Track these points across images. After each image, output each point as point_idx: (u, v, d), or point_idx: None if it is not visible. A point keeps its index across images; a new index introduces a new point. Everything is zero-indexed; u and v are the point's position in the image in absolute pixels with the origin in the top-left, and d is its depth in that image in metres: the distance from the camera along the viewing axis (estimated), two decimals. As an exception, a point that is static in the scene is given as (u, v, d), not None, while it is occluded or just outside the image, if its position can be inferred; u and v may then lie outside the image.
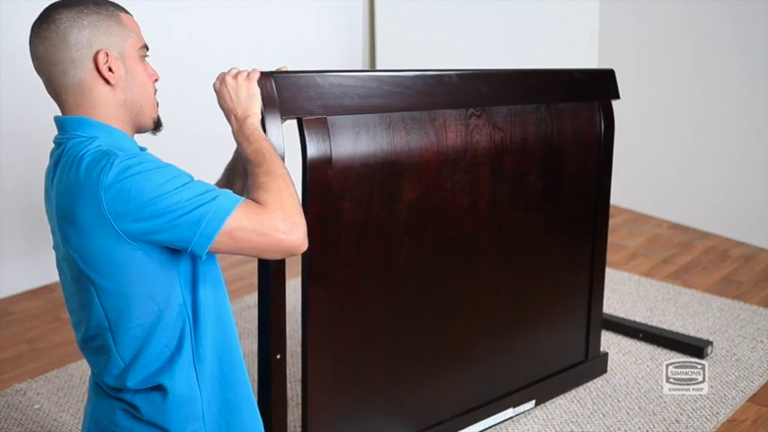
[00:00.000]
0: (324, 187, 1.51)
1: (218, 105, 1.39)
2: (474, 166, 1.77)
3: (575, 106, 1.99)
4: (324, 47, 3.85)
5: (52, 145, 1.26)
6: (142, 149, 1.30)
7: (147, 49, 1.28)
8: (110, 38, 1.21)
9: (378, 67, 3.98)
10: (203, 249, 1.15)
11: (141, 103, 1.25)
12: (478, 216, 1.82)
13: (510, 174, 1.86)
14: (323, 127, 1.51)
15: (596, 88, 2.06)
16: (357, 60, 4.04)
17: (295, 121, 1.49)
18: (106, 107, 1.22)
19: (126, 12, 1.26)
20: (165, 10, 3.06)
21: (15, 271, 2.88)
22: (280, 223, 1.16)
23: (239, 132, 1.33)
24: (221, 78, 1.37)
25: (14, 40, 2.72)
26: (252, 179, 1.24)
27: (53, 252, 1.30)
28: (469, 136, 1.75)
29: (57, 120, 1.24)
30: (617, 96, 2.09)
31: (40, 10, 1.24)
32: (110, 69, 1.20)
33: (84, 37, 1.19)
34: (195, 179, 1.18)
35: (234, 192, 1.20)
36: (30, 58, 1.23)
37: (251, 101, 1.35)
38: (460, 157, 1.74)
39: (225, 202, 1.15)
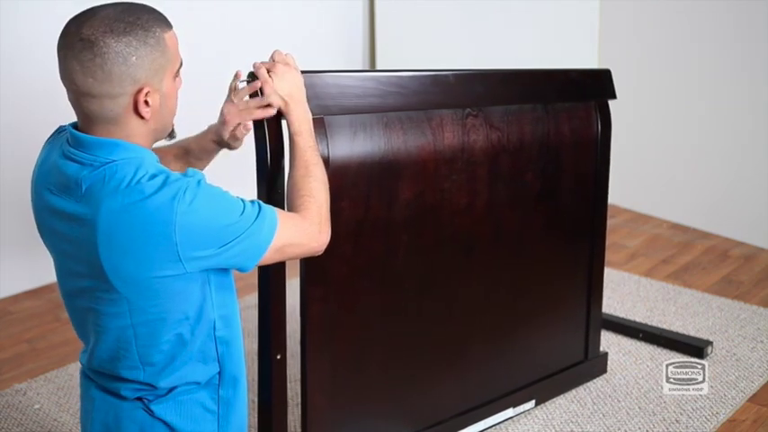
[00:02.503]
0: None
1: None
2: (471, 165, 1.77)
3: (571, 106, 2.00)
4: (324, 47, 3.85)
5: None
6: None
7: (182, 64, 1.25)
8: (153, 71, 1.15)
9: (378, 67, 3.98)
10: (252, 265, 1.22)
11: (166, 127, 1.25)
12: (476, 216, 1.82)
13: (507, 173, 1.86)
14: (320, 127, 1.51)
15: (593, 88, 2.06)
16: (357, 60, 4.04)
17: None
18: (137, 137, 1.19)
19: (168, 26, 1.20)
20: (162, 10, 3.06)
21: (15, 271, 2.88)
22: (316, 234, 1.28)
23: (302, 121, 1.37)
24: (284, 61, 1.40)
25: (15, 41, 2.72)
26: (301, 178, 1.31)
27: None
28: (466, 136, 1.75)
29: (81, 138, 1.17)
30: (613, 96, 2.09)
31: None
32: (146, 103, 1.16)
33: (130, 75, 1.13)
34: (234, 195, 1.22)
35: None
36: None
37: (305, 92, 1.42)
38: (457, 156, 1.74)
39: (270, 219, 1.21)
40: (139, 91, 1.15)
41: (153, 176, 1.13)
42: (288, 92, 1.38)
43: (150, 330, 1.21)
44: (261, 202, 1.23)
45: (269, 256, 1.22)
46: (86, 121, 1.18)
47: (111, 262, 1.14)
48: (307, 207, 1.28)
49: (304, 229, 1.26)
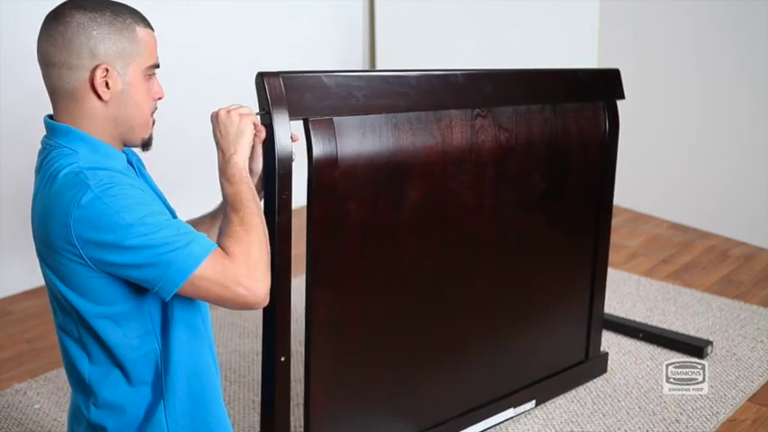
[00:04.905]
0: (329, 188, 1.51)
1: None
2: (479, 166, 1.77)
3: (580, 106, 1.99)
4: (324, 47, 3.85)
5: None
6: (132, 160, 1.30)
7: (157, 66, 1.25)
8: (115, 53, 1.17)
9: (378, 67, 3.98)
10: (168, 294, 1.15)
11: (132, 123, 1.23)
12: (483, 216, 1.82)
13: (515, 174, 1.86)
14: (329, 128, 1.50)
15: (601, 88, 2.06)
16: (357, 60, 4.04)
17: (300, 121, 1.48)
18: (95, 120, 1.19)
19: (146, 25, 1.22)
20: (162, 12, 3.05)
21: (15, 271, 2.88)
22: (242, 278, 1.15)
23: (222, 170, 1.30)
24: (217, 111, 1.33)
25: (15, 42, 2.72)
26: (225, 224, 1.23)
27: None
28: (475, 136, 1.75)
29: (45, 122, 1.23)
30: (622, 96, 2.09)
31: (41, 11, 1.23)
32: (106, 85, 1.17)
33: (89, 47, 1.16)
34: (172, 218, 1.17)
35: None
36: (29, 57, 1.23)
37: (238, 139, 1.29)
38: (466, 157, 1.74)
39: (196, 249, 1.14)
40: (97, 67, 1.16)
41: (73, 170, 1.14)
42: (215, 143, 1.33)
43: (88, 333, 1.21)
44: (196, 232, 1.18)
45: (185, 288, 1.14)
46: (53, 101, 1.21)
47: (39, 249, 1.20)
48: (232, 252, 1.17)
49: (228, 270, 1.15)
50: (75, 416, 1.31)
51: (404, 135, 1.62)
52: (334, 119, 1.51)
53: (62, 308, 1.23)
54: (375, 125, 1.57)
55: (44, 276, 1.24)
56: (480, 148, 1.76)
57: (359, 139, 1.55)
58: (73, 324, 1.23)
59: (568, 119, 1.96)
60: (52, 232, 1.14)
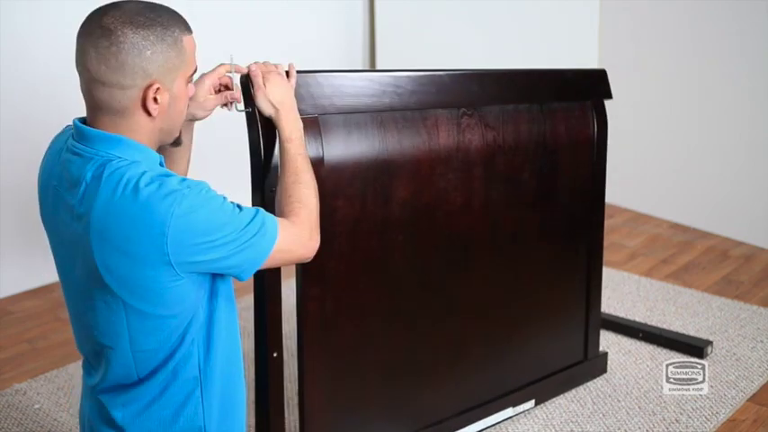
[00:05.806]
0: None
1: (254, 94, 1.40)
2: (467, 165, 1.78)
3: (567, 106, 2.00)
4: (323, 47, 3.85)
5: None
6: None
7: (196, 70, 1.26)
8: (166, 69, 1.17)
9: (378, 68, 3.99)
10: (249, 274, 1.23)
11: (172, 129, 1.25)
12: (472, 215, 1.82)
13: (503, 173, 1.86)
14: (314, 126, 1.51)
15: (588, 88, 2.07)
16: (357, 60, 4.04)
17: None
18: (141, 133, 1.19)
19: (189, 31, 1.21)
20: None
21: (15, 271, 2.88)
22: (305, 241, 1.29)
23: (293, 129, 1.37)
24: (276, 70, 1.41)
25: (15, 41, 2.73)
26: (291, 184, 1.32)
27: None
28: (461, 135, 1.76)
29: (85, 131, 1.19)
30: (609, 96, 2.10)
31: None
32: (155, 100, 1.17)
33: (142, 68, 1.14)
34: (230, 200, 1.21)
35: None
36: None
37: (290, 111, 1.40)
38: (453, 156, 1.75)
39: (270, 229, 1.22)
40: (149, 86, 1.16)
41: (151, 179, 1.13)
42: (279, 99, 1.38)
43: (144, 336, 1.21)
44: (262, 210, 1.23)
45: (263, 265, 1.24)
46: (94, 112, 1.18)
47: (104, 260, 1.15)
48: (297, 213, 1.29)
49: (296, 236, 1.27)
50: (99, 416, 1.30)
51: (390, 133, 1.63)
52: (320, 117, 1.52)
53: (104, 316, 1.21)
54: (361, 123, 1.59)
55: (87, 282, 1.19)
56: (467, 147, 1.77)
57: (345, 137, 1.56)
58: (112, 327, 1.21)
59: (556, 118, 1.96)
60: (138, 239, 1.11)
